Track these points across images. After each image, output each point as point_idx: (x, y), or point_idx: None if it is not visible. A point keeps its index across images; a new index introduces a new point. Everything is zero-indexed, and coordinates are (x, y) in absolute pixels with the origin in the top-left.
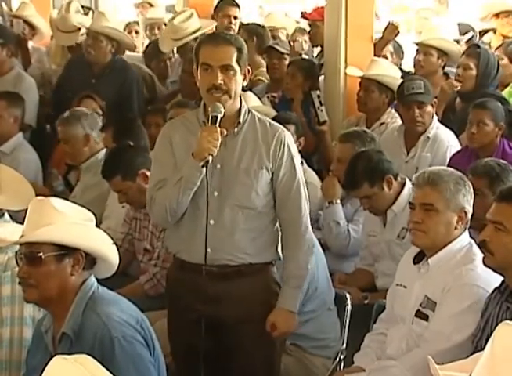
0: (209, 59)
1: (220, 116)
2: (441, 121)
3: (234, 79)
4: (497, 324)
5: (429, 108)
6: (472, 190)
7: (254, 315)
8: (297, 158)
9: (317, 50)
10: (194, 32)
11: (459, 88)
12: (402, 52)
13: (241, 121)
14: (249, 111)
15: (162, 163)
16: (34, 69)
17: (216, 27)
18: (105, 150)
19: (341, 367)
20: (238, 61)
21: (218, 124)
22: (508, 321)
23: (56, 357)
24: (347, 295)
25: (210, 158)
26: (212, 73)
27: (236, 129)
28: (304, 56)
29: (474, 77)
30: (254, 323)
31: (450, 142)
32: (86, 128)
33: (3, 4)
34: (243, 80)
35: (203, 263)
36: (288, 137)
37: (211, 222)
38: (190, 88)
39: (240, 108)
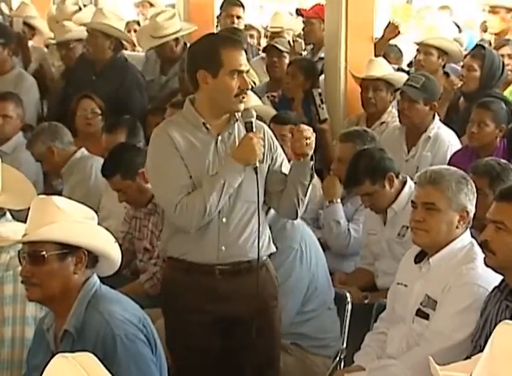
0: (239, 65)
1: (253, 120)
2: (444, 121)
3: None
4: (496, 323)
5: (419, 105)
6: (475, 190)
7: (265, 308)
8: None
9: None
10: (174, 33)
11: (460, 86)
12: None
13: (235, 118)
14: None
15: (175, 168)
16: (34, 68)
17: (220, 26)
18: (82, 150)
19: (342, 366)
20: None
21: (251, 129)
22: (507, 320)
23: (58, 355)
24: (348, 294)
25: (258, 163)
26: (241, 78)
27: (232, 128)
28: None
29: (477, 79)
30: (263, 319)
31: (451, 142)
32: (46, 141)
33: (2, 4)
34: None
35: (216, 262)
36: (270, 130)
37: (224, 220)
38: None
39: None
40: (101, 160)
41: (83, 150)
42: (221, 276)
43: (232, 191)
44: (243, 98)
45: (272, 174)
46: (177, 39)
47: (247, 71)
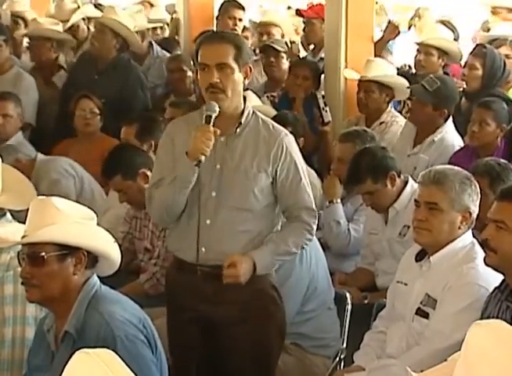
0: (205, 58)
1: (214, 115)
2: None
3: (231, 78)
4: None
5: (428, 108)
6: (479, 190)
7: (249, 318)
8: (301, 162)
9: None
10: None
11: (464, 86)
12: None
13: (242, 121)
14: (253, 113)
15: (161, 162)
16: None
17: (219, 28)
18: (38, 154)
19: (341, 366)
20: (236, 59)
21: (211, 124)
22: (479, 321)
23: (79, 351)
24: (348, 294)
25: (203, 158)
26: (209, 72)
27: (238, 130)
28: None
29: (479, 78)
30: (249, 327)
31: (455, 147)
32: (12, 152)
33: None
34: (244, 78)
35: (196, 263)
36: (290, 141)
37: (208, 221)
38: (180, 86)
39: (244, 108)
40: (62, 159)
41: (38, 154)
42: (203, 277)
43: (187, 186)
44: (213, 93)
45: (280, 192)
46: (143, 34)
47: (222, 65)
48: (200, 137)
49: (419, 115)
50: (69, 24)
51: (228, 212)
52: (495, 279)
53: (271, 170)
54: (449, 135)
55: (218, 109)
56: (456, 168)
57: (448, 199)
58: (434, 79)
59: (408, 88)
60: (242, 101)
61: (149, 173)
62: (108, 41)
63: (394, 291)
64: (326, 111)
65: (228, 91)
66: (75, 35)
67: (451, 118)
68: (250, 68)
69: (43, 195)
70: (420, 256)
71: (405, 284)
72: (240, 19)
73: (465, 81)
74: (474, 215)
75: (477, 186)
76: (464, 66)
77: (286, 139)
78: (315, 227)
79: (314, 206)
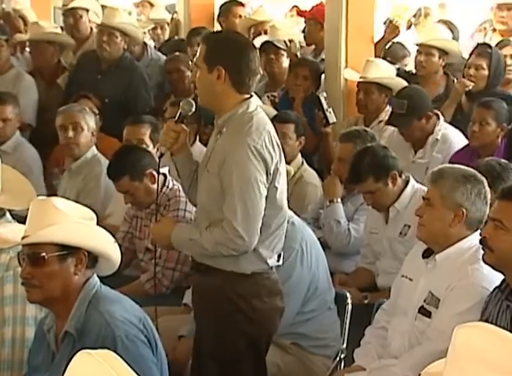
0: None
1: (184, 113)
2: (450, 121)
3: (198, 76)
4: (497, 323)
5: (415, 124)
6: (482, 190)
7: (213, 321)
8: (242, 176)
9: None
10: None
11: (471, 88)
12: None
13: (219, 122)
14: (242, 115)
15: None
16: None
17: (225, 27)
18: (92, 148)
19: (342, 366)
20: (205, 59)
21: (179, 120)
22: (463, 324)
23: (81, 352)
24: (348, 294)
25: (163, 150)
26: None
27: (222, 132)
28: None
29: (486, 78)
30: (213, 329)
31: (460, 143)
32: (98, 122)
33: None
34: (218, 79)
35: None
36: (241, 153)
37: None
38: (179, 86)
39: (231, 110)
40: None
41: (94, 148)
42: (192, 268)
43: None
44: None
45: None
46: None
47: (196, 64)
48: (164, 131)
49: (413, 135)
50: (70, 5)
51: (198, 211)
52: (498, 279)
53: (216, 173)
54: (449, 131)
55: (189, 108)
56: (456, 166)
57: (439, 195)
58: (399, 101)
59: (387, 124)
60: (229, 103)
61: (155, 173)
62: (119, 43)
63: (398, 284)
64: (330, 112)
65: (198, 88)
66: (77, 26)
67: (442, 118)
68: (222, 70)
69: (81, 188)
70: (427, 253)
71: (410, 279)
72: (241, 16)
73: (472, 82)
74: (471, 214)
75: (480, 185)
76: (469, 67)
77: (239, 148)
78: (237, 247)
79: (239, 228)
